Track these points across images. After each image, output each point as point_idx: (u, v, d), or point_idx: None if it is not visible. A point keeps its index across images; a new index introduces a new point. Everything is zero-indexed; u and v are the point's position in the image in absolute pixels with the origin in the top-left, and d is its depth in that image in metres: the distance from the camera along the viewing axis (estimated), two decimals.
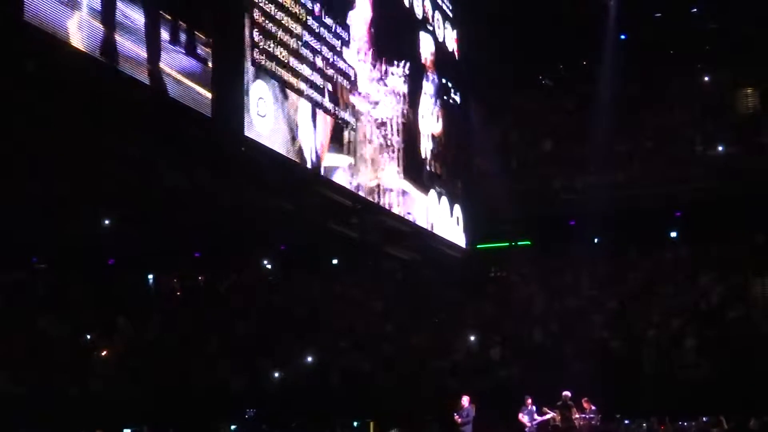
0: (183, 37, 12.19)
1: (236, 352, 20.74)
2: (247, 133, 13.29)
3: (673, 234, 25.13)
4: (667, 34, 24.39)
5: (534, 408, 18.25)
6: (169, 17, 11.92)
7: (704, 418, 18.13)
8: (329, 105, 15.65)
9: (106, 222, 20.10)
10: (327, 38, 15.59)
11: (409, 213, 18.98)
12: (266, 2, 13.76)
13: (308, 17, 14.99)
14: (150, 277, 23.76)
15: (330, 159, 15.68)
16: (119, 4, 10.99)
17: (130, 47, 11.16)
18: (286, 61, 14.29)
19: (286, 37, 14.29)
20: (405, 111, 18.91)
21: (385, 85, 18.05)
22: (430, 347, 22.16)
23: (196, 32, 12.45)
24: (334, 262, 25.91)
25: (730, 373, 18.94)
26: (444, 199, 21.20)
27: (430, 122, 20.51)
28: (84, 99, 11.27)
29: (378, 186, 17.55)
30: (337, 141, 15.94)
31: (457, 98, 22.60)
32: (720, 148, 25.04)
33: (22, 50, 10.19)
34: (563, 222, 24.65)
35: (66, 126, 11.81)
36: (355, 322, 23.19)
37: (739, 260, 23.03)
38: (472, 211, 22.98)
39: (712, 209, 22.65)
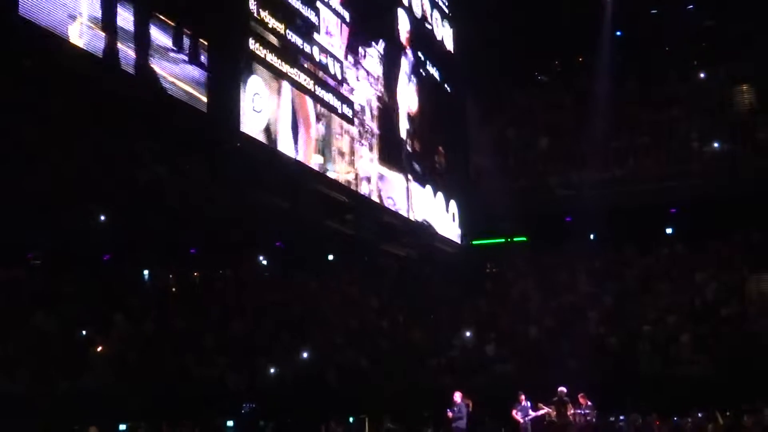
0: (178, 35, 12.16)
1: (233, 348, 20.72)
2: (243, 128, 13.27)
3: (669, 230, 25.10)
4: (663, 31, 24.40)
5: (528, 404, 18.22)
6: (164, 15, 11.87)
7: (700, 414, 18.15)
8: (323, 96, 15.61)
9: (102, 218, 20.04)
10: (317, 30, 15.47)
11: (389, 198, 18.56)
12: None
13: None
14: (146, 273, 23.71)
15: (318, 155, 15.61)
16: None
17: (125, 44, 11.13)
18: (281, 56, 14.26)
19: (280, 29, 14.26)
20: (381, 93, 18.35)
21: (363, 67, 17.57)
22: (426, 343, 22.18)
23: (190, 30, 12.43)
24: (330, 257, 25.87)
25: (725, 370, 18.95)
26: (440, 194, 21.16)
27: (407, 100, 19.82)
28: (78, 95, 11.26)
29: (356, 176, 17.13)
30: (326, 134, 15.85)
31: (435, 73, 21.69)
32: (716, 145, 25.00)
33: (17, 47, 10.16)
34: (559, 218, 24.64)
35: (60, 122, 11.80)
36: (351, 318, 23.18)
37: (735, 257, 23.04)
38: (468, 207, 22.95)
39: (708, 206, 22.61)
